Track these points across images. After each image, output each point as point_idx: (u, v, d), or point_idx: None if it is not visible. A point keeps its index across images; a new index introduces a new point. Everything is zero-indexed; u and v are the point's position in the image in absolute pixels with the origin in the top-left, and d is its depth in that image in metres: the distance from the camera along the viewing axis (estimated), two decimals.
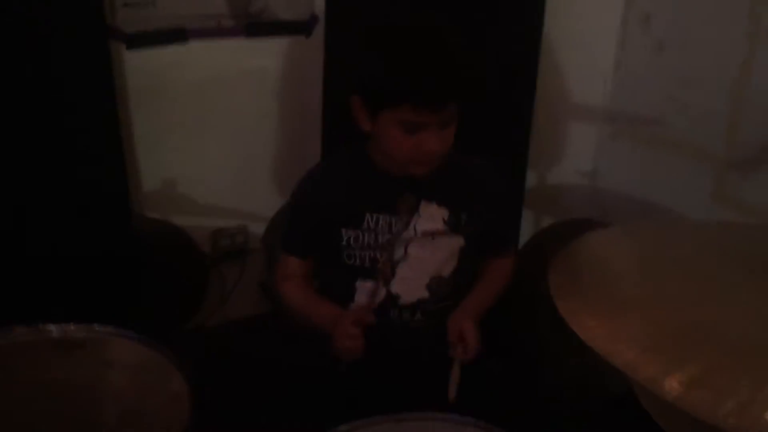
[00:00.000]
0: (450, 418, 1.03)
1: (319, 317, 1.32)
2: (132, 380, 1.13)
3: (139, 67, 1.81)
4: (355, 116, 1.24)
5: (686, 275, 0.83)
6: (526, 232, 2.09)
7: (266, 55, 1.95)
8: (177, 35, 1.82)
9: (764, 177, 1.78)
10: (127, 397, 1.10)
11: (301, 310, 1.36)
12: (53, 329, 1.18)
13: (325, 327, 1.28)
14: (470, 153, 1.32)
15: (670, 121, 2.00)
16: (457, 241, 1.33)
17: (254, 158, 2.07)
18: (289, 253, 1.38)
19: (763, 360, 0.70)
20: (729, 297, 0.80)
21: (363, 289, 1.33)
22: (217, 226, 2.07)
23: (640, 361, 0.68)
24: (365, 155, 1.30)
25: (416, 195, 1.28)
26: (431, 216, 1.30)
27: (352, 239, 1.30)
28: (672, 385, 0.66)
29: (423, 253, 1.31)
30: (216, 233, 2.07)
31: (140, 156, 1.91)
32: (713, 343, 0.72)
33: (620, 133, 2.18)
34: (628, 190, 2.13)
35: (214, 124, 1.97)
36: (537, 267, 1.58)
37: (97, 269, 1.69)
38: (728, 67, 1.82)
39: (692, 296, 0.79)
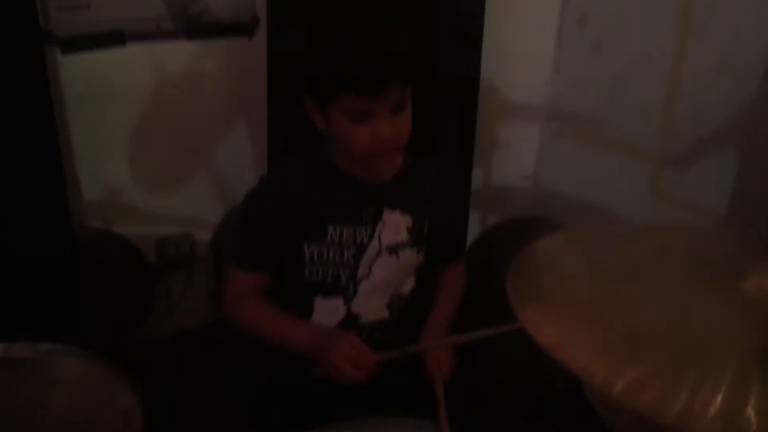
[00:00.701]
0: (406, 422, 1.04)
1: (296, 341, 1.23)
2: (78, 397, 1.10)
3: (77, 72, 1.76)
4: (310, 116, 1.21)
5: (635, 278, 0.86)
6: (472, 232, 2.13)
7: (208, 57, 1.92)
8: (114, 38, 1.77)
9: (698, 173, 1.85)
10: (73, 414, 1.07)
11: (267, 331, 1.27)
12: None
13: (302, 349, 1.22)
14: (418, 154, 1.31)
15: (609, 120, 2.06)
16: (417, 258, 1.30)
17: (198, 163, 2.03)
18: (242, 268, 1.28)
19: (702, 356, 0.74)
20: (674, 298, 0.83)
21: (322, 308, 1.27)
22: (161, 234, 2.03)
23: (593, 364, 0.70)
24: (326, 158, 1.25)
25: (380, 203, 1.25)
26: (396, 225, 1.26)
27: (315, 254, 1.24)
28: (623, 388, 0.68)
29: (386, 272, 1.27)
30: (161, 241, 2.03)
31: (80, 164, 1.86)
32: (661, 343, 0.75)
33: (561, 132, 2.23)
34: (571, 188, 2.18)
35: (156, 129, 1.93)
36: (484, 265, 1.61)
37: (38, 282, 1.63)
38: (661, 66, 1.88)
39: (639, 299, 0.82)
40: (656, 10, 1.88)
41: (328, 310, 1.28)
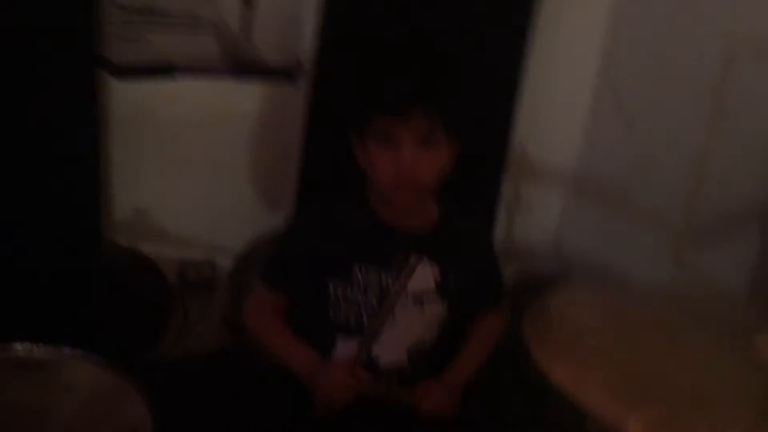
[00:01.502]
0: None
1: (296, 361, 1.27)
2: (88, 405, 1.11)
3: (126, 98, 1.83)
4: (356, 155, 1.27)
5: (649, 333, 0.88)
6: None
7: (249, 98, 1.99)
8: (166, 71, 1.85)
9: (722, 250, 1.85)
10: (81, 423, 1.08)
11: (274, 346, 1.31)
12: (20, 348, 1.17)
13: (300, 371, 1.25)
14: (450, 209, 1.34)
15: (635, 190, 2.08)
16: (441, 309, 1.31)
17: (227, 196, 2.08)
18: (270, 285, 1.33)
19: (714, 409, 0.75)
20: (685, 353, 0.85)
21: (344, 347, 1.29)
22: (185, 257, 2.08)
23: (606, 404, 0.72)
24: (366, 203, 1.29)
25: (409, 251, 1.26)
26: (423, 274, 1.27)
27: (339, 294, 1.26)
28: (634, 428, 0.70)
29: (409, 320, 1.28)
30: (183, 265, 2.07)
31: (115, 183, 1.91)
32: (672, 391, 0.76)
33: (586, 199, 2.26)
34: (592, 254, 2.19)
35: (192, 160, 1.99)
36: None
37: (62, 290, 1.67)
38: (691, 143, 1.91)
39: (654, 351, 0.84)
40: (688, 90, 1.93)
41: (348, 350, 1.28)
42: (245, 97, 1.98)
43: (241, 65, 1.91)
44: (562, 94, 2.17)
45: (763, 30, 1.75)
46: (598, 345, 0.86)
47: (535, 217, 2.28)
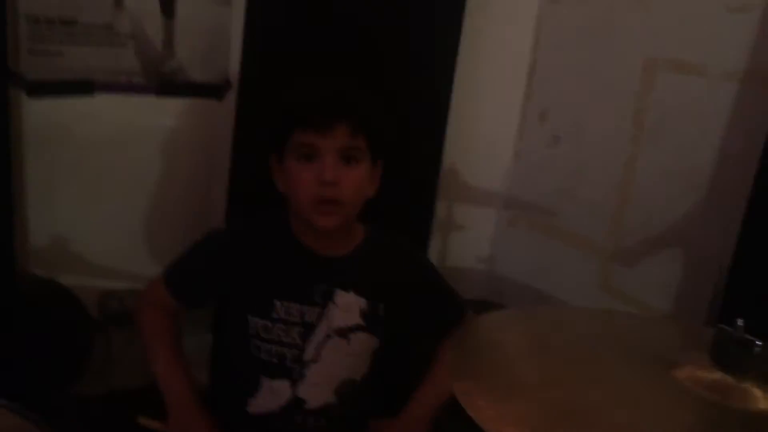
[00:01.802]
0: None
1: (167, 384, 1.22)
2: None
3: (41, 116, 1.74)
4: (272, 175, 1.22)
5: (574, 360, 0.87)
6: None
7: (175, 115, 1.93)
8: (83, 87, 1.77)
9: (645, 271, 1.90)
10: None
11: (156, 357, 1.25)
12: None
13: (165, 395, 1.21)
14: (377, 231, 1.30)
15: (562, 211, 2.12)
16: (370, 341, 1.26)
17: (152, 220, 2.00)
18: (169, 289, 1.27)
19: None
20: (612, 383, 0.84)
21: (267, 388, 1.23)
22: (106, 287, 1.98)
23: None
24: (286, 224, 1.24)
25: (332, 282, 1.22)
26: (348, 307, 1.23)
27: (260, 329, 1.21)
28: None
29: (336, 355, 1.23)
30: (105, 295, 1.97)
31: (30, 208, 1.81)
32: (594, 426, 0.74)
33: (517, 220, 2.28)
34: (524, 276, 2.21)
35: (114, 181, 1.91)
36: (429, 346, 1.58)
37: None
38: (615, 165, 1.96)
39: (579, 380, 0.82)
40: (611, 114, 1.98)
41: (272, 391, 1.24)
42: (168, 113, 1.91)
43: (163, 81, 1.85)
44: (490, 113, 2.20)
45: (680, 53, 1.80)
46: (522, 376, 0.83)
47: (468, 238, 2.29)
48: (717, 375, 0.80)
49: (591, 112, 2.04)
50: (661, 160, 1.86)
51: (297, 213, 1.21)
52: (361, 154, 1.17)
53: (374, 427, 1.27)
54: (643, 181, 1.90)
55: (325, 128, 1.13)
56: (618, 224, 1.97)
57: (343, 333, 1.23)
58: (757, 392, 0.79)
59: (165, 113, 1.91)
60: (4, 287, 1.67)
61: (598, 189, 2.01)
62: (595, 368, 0.85)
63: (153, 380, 1.27)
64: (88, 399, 1.87)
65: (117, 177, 1.90)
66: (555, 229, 2.14)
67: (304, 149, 1.15)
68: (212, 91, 1.93)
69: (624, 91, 1.92)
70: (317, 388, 1.24)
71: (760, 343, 0.80)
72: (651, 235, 1.89)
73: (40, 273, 1.87)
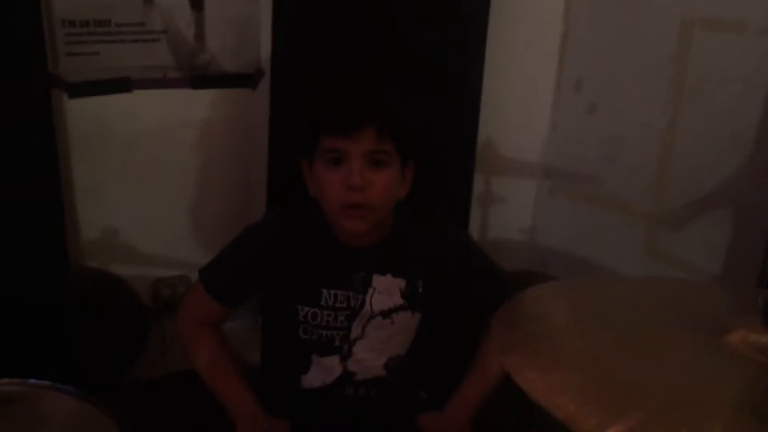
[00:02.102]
0: None
1: (225, 394, 1.26)
2: None
3: (83, 115, 1.79)
4: (305, 180, 1.24)
5: (622, 330, 0.87)
6: None
7: (211, 106, 1.96)
8: (121, 85, 1.81)
9: (691, 233, 1.87)
10: None
11: (206, 370, 1.28)
12: None
13: (226, 405, 1.25)
14: (412, 212, 1.30)
15: (604, 178, 2.09)
16: (413, 319, 1.29)
17: (196, 208, 2.05)
18: (211, 294, 1.28)
19: (692, 408, 0.74)
20: (662, 351, 0.83)
21: (318, 365, 1.28)
22: (158, 276, 2.03)
23: (580, 413, 0.70)
24: (321, 220, 1.25)
25: (369, 269, 1.24)
26: (387, 289, 1.25)
27: (309, 316, 1.24)
28: None
29: (380, 334, 1.27)
30: (157, 283, 2.03)
31: (80, 205, 1.87)
32: (649, 396, 0.75)
33: (557, 189, 2.26)
34: (566, 244, 2.20)
35: (158, 174, 1.96)
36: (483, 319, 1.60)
37: (33, 321, 1.63)
38: (655, 128, 1.92)
39: (627, 350, 0.82)
40: (648, 78, 1.94)
41: (324, 367, 1.28)
42: (204, 105, 1.94)
43: (197, 73, 1.88)
44: (524, 84, 2.17)
45: (717, 11, 1.75)
46: (570, 347, 0.83)
47: (508, 210, 2.28)
48: None
49: (628, 78, 2.00)
50: (702, 122, 1.82)
51: (328, 216, 1.22)
52: (389, 158, 1.16)
53: (423, 420, 1.30)
54: (685, 144, 1.86)
55: (352, 132, 1.12)
56: (661, 188, 1.94)
57: (386, 314, 1.26)
58: None
59: (201, 105, 1.94)
60: (61, 281, 1.72)
61: (639, 154, 1.98)
62: (644, 336, 0.85)
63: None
64: (145, 383, 1.94)
65: (160, 169, 1.95)
66: (596, 196, 2.12)
67: (331, 154, 1.15)
68: (245, 80, 1.95)
69: (661, 54, 1.87)
70: (366, 363, 1.28)
71: None
72: (696, 197, 1.85)
73: (93, 265, 1.94)
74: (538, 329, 0.85)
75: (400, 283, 1.26)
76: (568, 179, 2.20)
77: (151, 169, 1.94)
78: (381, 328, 1.26)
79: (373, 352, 1.28)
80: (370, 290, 1.25)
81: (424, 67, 1.80)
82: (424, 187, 1.30)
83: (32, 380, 1.15)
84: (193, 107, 1.92)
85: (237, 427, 1.25)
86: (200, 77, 1.89)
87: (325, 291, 1.24)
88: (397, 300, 1.26)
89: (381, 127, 1.13)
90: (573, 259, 2.16)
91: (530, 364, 0.75)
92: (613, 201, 2.06)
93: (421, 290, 1.27)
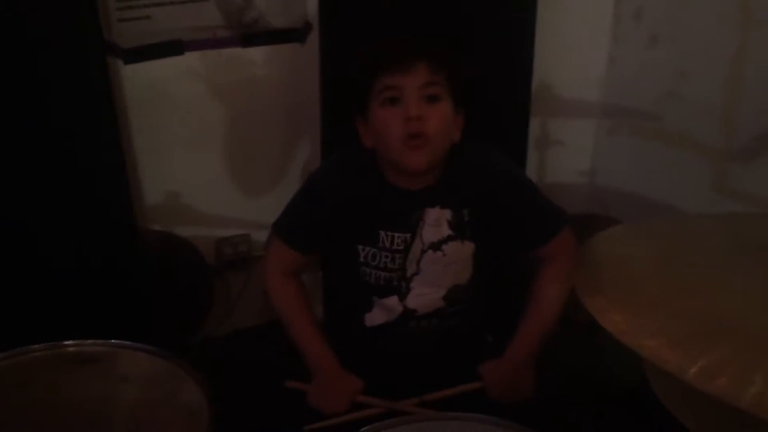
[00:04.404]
0: (474, 417, 1.04)
1: (307, 348, 1.30)
2: (146, 391, 1.14)
3: (139, 80, 1.81)
4: (360, 135, 1.28)
5: (703, 268, 0.85)
6: None
7: (262, 64, 1.96)
8: (173, 48, 1.81)
9: (763, 166, 1.80)
10: (141, 408, 1.10)
11: (291, 322, 1.33)
12: (69, 345, 1.20)
13: (305, 358, 1.29)
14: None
15: (667, 114, 2.02)
16: (464, 248, 1.30)
17: (254, 166, 2.07)
18: (288, 244, 1.33)
19: None
20: (743, 286, 0.82)
21: (379, 306, 1.33)
22: (220, 235, 2.08)
23: (665, 352, 0.70)
24: (374, 166, 1.29)
25: (421, 206, 1.27)
26: (436, 221, 1.28)
27: (369, 256, 1.29)
28: (697, 373, 0.67)
29: (435, 268, 1.30)
30: (220, 243, 2.08)
31: (142, 169, 1.91)
32: (733, 332, 0.73)
33: (617, 128, 2.20)
34: (628, 185, 2.15)
35: (214, 134, 1.98)
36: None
37: (103, 283, 1.69)
38: (722, 59, 1.83)
39: (712, 288, 0.81)
40: (713, 5, 1.84)
41: (384, 307, 1.33)
42: (255, 62, 1.95)
43: (247, 31, 1.87)
44: (579, 18, 2.09)
45: None
46: (653, 288, 0.83)
47: (566, 153, 2.24)
48: None
49: (691, 5, 1.90)
50: None
51: (388, 160, 1.25)
52: (443, 92, 1.21)
53: (483, 370, 1.29)
54: (754, 75, 1.78)
55: (407, 66, 1.17)
56: (729, 122, 1.86)
57: (437, 246, 1.29)
58: None
59: (252, 62, 1.94)
60: (128, 244, 1.78)
61: (705, 87, 1.89)
62: (725, 274, 0.83)
63: (272, 318, 1.36)
64: (214, 339, 2.00)
65: (217, 129, 1.97)
66: (660, 133, 2.05)
67: (387, 92, 1.19)
68: (294, 35, 1.93)
69: None
70: (424, 297, 1.31)
71: None
72: (766, 130, 1.78)
73: (158, 228, 1.99)
74: (617, 272, 0.84)
75: (447, 214, 1.28)
76: (630, 117, 2.13)
77: (207, 130, 1.97)
78: (435, 262, 1.29)
79: (431, 286, 1.31)
80: (421, 223, 1.28)
81: (476, 9, 1.75)
82: (478, 133, 1.30)
83: (114, 341, 1.20)
84: (244, 65, 1.93)
85: (313, 380, 1.28)
86: (249, 35, 1.88)
87: (382, 233, 1.28)
88: (445, 230, 1.29)
89: (433, 61, 1.19)
90: (636, 200, 2.11)
91: (615, 307, 0.74)
92: (678, 138, 1.99)
93: (467, 219, 1.29)
